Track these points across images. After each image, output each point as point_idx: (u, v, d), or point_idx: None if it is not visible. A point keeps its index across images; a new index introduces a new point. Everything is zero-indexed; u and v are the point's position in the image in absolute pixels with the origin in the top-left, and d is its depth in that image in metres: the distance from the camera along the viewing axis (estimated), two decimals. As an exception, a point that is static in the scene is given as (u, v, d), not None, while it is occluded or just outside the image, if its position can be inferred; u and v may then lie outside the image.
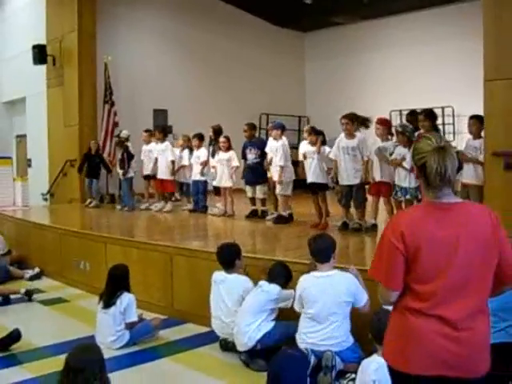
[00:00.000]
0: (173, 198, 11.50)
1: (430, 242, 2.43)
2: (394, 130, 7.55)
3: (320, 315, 4.65)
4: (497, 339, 3.76)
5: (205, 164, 10.32)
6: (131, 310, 5.66)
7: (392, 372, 2.58)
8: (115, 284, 5.71)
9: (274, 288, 5.11)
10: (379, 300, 2.68)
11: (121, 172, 11.38)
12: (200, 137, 10.54)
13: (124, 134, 11.77)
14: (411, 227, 2.47)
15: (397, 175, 7.18)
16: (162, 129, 11.58)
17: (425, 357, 2.43)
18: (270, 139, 9.18)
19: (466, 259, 2.42)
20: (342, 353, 4.59)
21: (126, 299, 5.62)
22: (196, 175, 10.51)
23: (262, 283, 5.17)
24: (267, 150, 9.04)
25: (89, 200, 12.21)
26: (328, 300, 4.62)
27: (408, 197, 6.99)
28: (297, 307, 4.89)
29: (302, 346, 4.67)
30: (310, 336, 4.68)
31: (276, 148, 8.80)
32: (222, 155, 9.77)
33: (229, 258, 5.58)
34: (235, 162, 9.68)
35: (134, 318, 5.67)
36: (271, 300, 5.09)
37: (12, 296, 7.37)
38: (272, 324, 5.07)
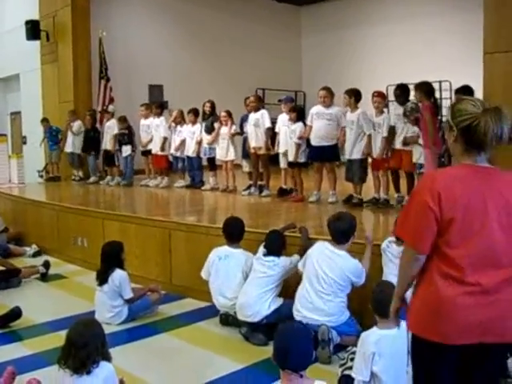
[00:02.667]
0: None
1: (466, 206, 2.38)
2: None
3: (318, 287, 4.69)
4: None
5: (199, 143, 10.29)
6: (125, 287, 5.62)
7: (420, 342, 2.51)
8: (107, 261, 5.68)
9: (290, 263, 5.11)
10: (403, 268, 2.59)
11: (128, 148, 11.33)
12: (195, 112, 10.47)
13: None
14: (448, 189, 2.40)
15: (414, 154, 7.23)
16: (159, 104, 11.49)
17: (461, 325, 2.39)
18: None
19: (500, 226, 2.38)
20: (338, 327, 4.63)
21: (118, 276, 5.59)
22: (190, 151, 10.47)
23: (272, 258, 5.12)
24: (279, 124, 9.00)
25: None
26: (330, 275, 4.66)
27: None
28: (302, 267, 4.93)
29: (297, 319, 4.70)
30: (306, 310, 4.72)
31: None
32: (223, 129, 9.76)
33: (236, 231, 5.57)
34: (234, 130, 9.70)
35: (129, 295, 5.63)
36: (285, 272, 5.10)
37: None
38: (281, 301, 5.08)
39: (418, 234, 2.46)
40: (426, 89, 6.76)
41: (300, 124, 8.37)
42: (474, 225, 2.38)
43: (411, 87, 7.32)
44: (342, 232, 4.81)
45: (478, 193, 2.40)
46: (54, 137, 12.77)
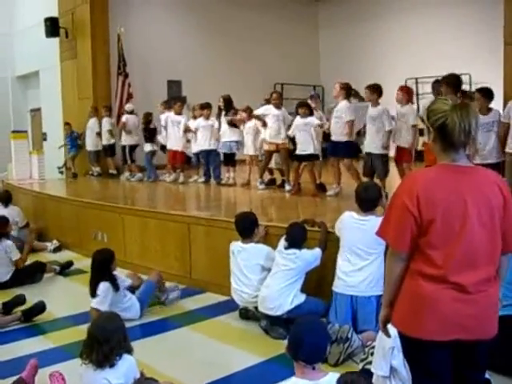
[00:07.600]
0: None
1: (446, 207, 2.40)
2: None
3: (354, 253, 4.79)
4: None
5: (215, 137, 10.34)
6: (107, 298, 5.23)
7: (404, 338, 2.58)
8: (96, 271, 5.39)
9: (312, 255, 5.11)
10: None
11: (147, 145, 11.44)
12: (207, 106, 10.54)
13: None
14: (427, 191, 2.43)
15: None
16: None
17: (440, 322, 2.42)
18: None
19: (479, 225, 2.40)
20: (378, 298, 4.57)
21: (101, 289, 5.19)
22: (205, 145, 10.47)
23: (293, 251, 5.10)
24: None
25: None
26: (361, 240, 4.73)
27: None
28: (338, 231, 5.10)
29: (337, 290, 4.84)
30: (347, 277, 4.79)
31: (319, 117, 9.01)
32: (247, 124, 9.81)
33: (247, 226, 5.56)
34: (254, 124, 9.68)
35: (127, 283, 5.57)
36: (307, 265, 5.10)
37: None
38: (303, 297, 5.07)
39: (397, 234, 2.50)
40: (452, 81, 6.66)
41: (312, 118, 8.46)
42: (454, 226, 2.40)
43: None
44: (371, 200, 4.90)
45: (458, 193, 2.41)
46: (73, 141, 13.01)
